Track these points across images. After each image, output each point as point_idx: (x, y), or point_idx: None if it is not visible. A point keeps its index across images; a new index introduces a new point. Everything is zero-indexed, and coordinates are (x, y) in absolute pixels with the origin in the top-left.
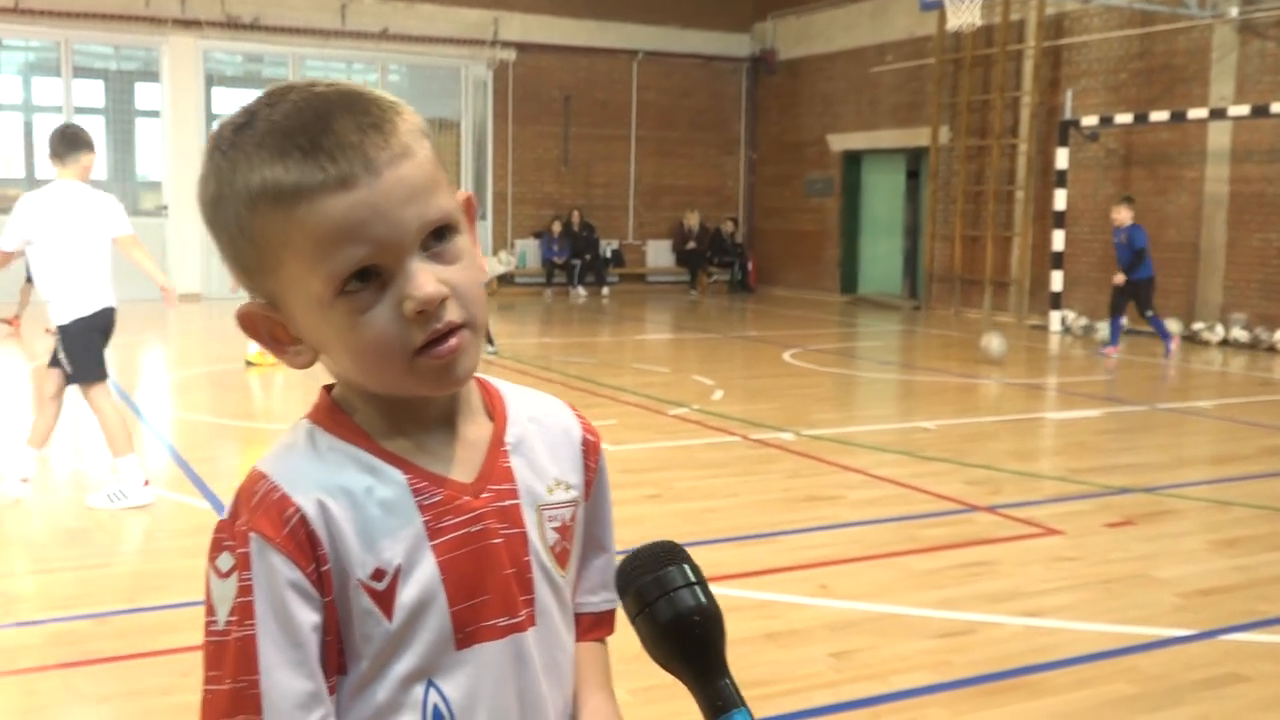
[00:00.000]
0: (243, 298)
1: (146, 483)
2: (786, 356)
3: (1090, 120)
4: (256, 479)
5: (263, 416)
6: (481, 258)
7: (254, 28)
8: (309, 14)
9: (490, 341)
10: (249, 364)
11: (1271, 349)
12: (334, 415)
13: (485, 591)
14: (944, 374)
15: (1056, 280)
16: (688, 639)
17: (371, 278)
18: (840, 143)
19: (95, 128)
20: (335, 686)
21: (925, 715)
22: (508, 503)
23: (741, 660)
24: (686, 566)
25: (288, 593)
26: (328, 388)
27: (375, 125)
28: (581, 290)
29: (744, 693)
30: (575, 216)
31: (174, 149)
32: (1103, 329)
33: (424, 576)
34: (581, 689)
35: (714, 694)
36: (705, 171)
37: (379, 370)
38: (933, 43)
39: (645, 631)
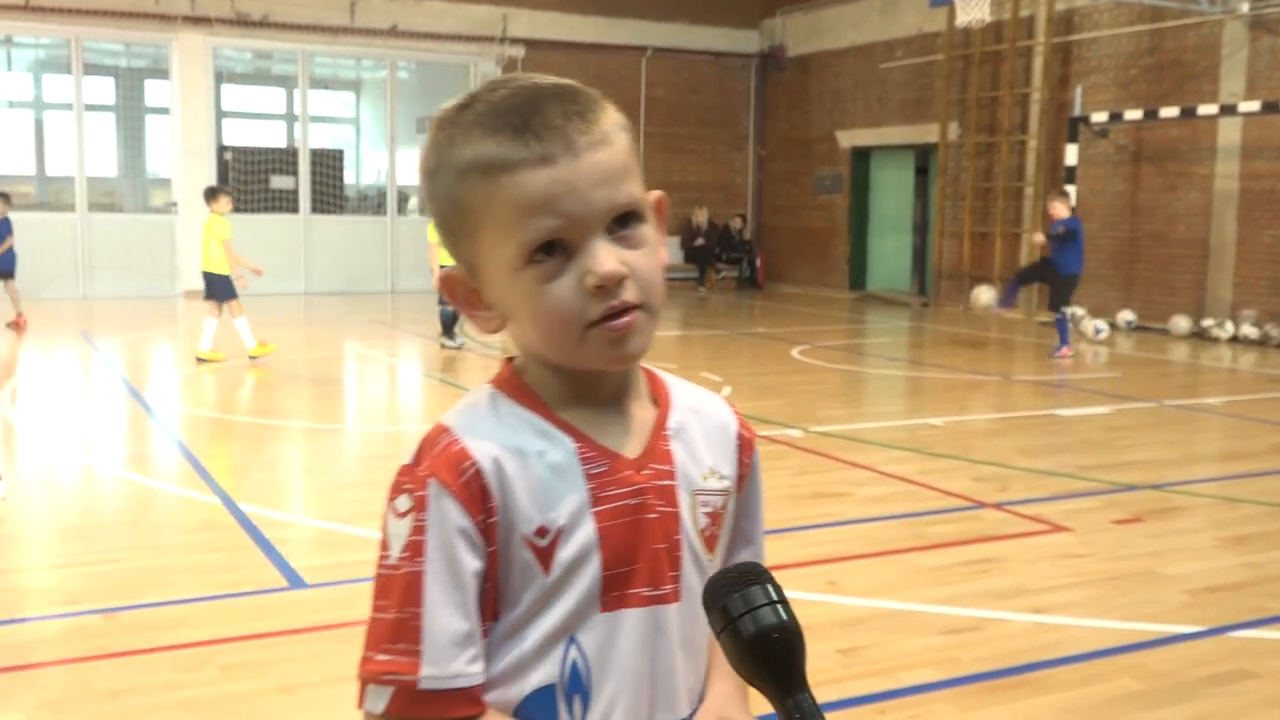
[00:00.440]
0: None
1: None
2: (795, 353)
3: (1100, 116)
4: (440, 431)
5: (270, 412)
6: (665, 250)
7: (263, 25)
8: (318, 11)
9: (450, 335)
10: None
11: None
12: (514, 383)
13: (635, 561)
14: (952, 370)
15: None
16: (769, 654)
17: (558, 251)
18: (849, 139)
19: (105, 125)
20: (488, 631)
21: (932, 711)
22: (665, 482)
23: None
24: (770, 585)
25: (457, 538)
26: (509, 359)
27: (580, 113)
28: None
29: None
30: None
31: (184, 146)
32: (1102, 324)
33: (582, 539)
34: (712, 672)
35: (792, 707)
36: (714, 168)
37: (556, 337)
38: (942, 39)
39: (729, 646)
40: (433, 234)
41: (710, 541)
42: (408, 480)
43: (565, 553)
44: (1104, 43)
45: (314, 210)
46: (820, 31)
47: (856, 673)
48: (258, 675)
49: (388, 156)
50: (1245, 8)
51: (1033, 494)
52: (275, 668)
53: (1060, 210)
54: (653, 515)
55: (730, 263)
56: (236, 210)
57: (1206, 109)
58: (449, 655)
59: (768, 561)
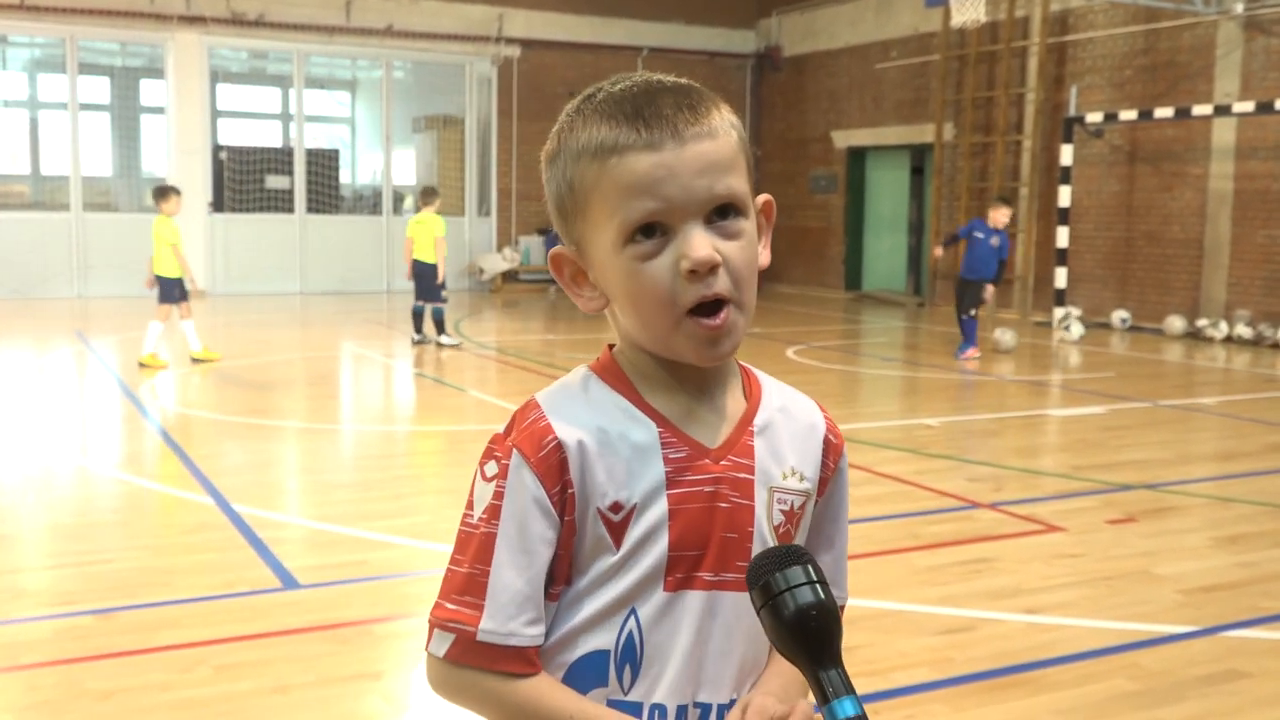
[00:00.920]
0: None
1: None
2: (790, 353)
3: (1095, 117)
4: (531, 407)
5: (264, 412)
6: (766, 252)
7: (259, 24)
8: (314, 10)
9: (441, 330)
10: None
11: (1275, 345)
12: (609, 367)
13: (704, 546)
14: (947, 371)
15: (1061, 277)
16: (807, 630)
17: (657, 233)
18: (845, 139)
19: (100, 124)
20: (560, 594)
21: (927, 712)
22: (742, 475)
23: None
24: (810, 566)
25: (532, 507)
26: (611, 346)
27: (690, 106)
28: None
29: None
30: None
31: (179, 145)
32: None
33: (654, 518)
34: (769, 665)
35: (825, 681)
36: None
37: (651, 320)
38: (937, 39)
39: (769, 622)
40: (411, 229)
41: (784, 538)
42: (498, 448)
43: (636, 529)
44: (1099, 43)
45: (309, 210)
46: (816, 32)
47: (851, 673)
48: (251, 676)
49: (383, 156)
50: (1239, 8)
51: (1027, 494)
52: (269, 668)
53: (1004, 219)
54: (725, 505)
55: None
56: (232, 210)
57: (1201, 109)
58: (508, 614)
59: None
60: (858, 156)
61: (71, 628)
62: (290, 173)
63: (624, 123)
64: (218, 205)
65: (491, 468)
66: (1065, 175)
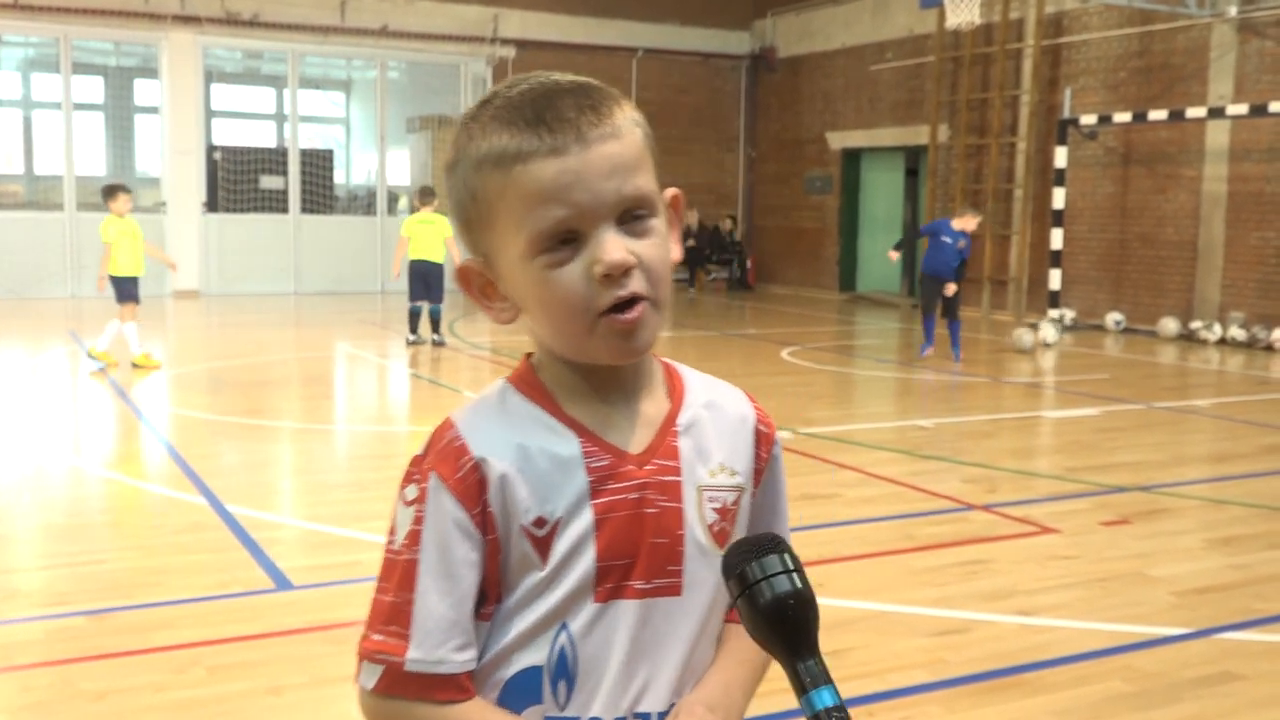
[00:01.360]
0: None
1: None
2: (785, 354)
3: (1089, 119)
4: (447, 427)
5: (258, 413)
6: (677, 246)
7: (253, 24)
8: (308, 10)
9: (436, 329)
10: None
11: (1269, 348)
12: (527, 379)
13: (632, 554)
14: (941, 372)
15: (1055, 279)
16: (784, 619)
17: (568, 240)
18: (839, 140)
19: (94, 124)
20: (491, 614)
21: (921, 713)
22: (668, 478)
23: None
24: (786, 555)
25: (452, 531)
26: (529, 355)
27: (593, 106)
28: None
29: None
30: None
31: (173, 145)
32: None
33: (579, 530)
34: (714, 666)
35: (803, 671)
36: (704, 169)
37: (566, 326)
38: (932, 41)
39: (745, 612)
40: (409, 228)
41: (720, 536)
42: (416, 472)
43: (562, 543)
44: (1093, 45)
45: (304, 210)
46: (811, 33)
47: (846, 675)
48: (245, 676)
49: (378, 157)
50: (1233, 11)
51: (1021, 496)
52: (263, 669)
53: (972, 224)
54: (652, 510)
55: (720, 264)
56: (226, 210)
57: (1195, 112)
58: (435, 641)
59: None
60: (852, 158)
61: (65, 628)
62: (285, 173)
63: (525, 129)
64: (212, 205)
65: (411, 491)
66: (1059, 177)
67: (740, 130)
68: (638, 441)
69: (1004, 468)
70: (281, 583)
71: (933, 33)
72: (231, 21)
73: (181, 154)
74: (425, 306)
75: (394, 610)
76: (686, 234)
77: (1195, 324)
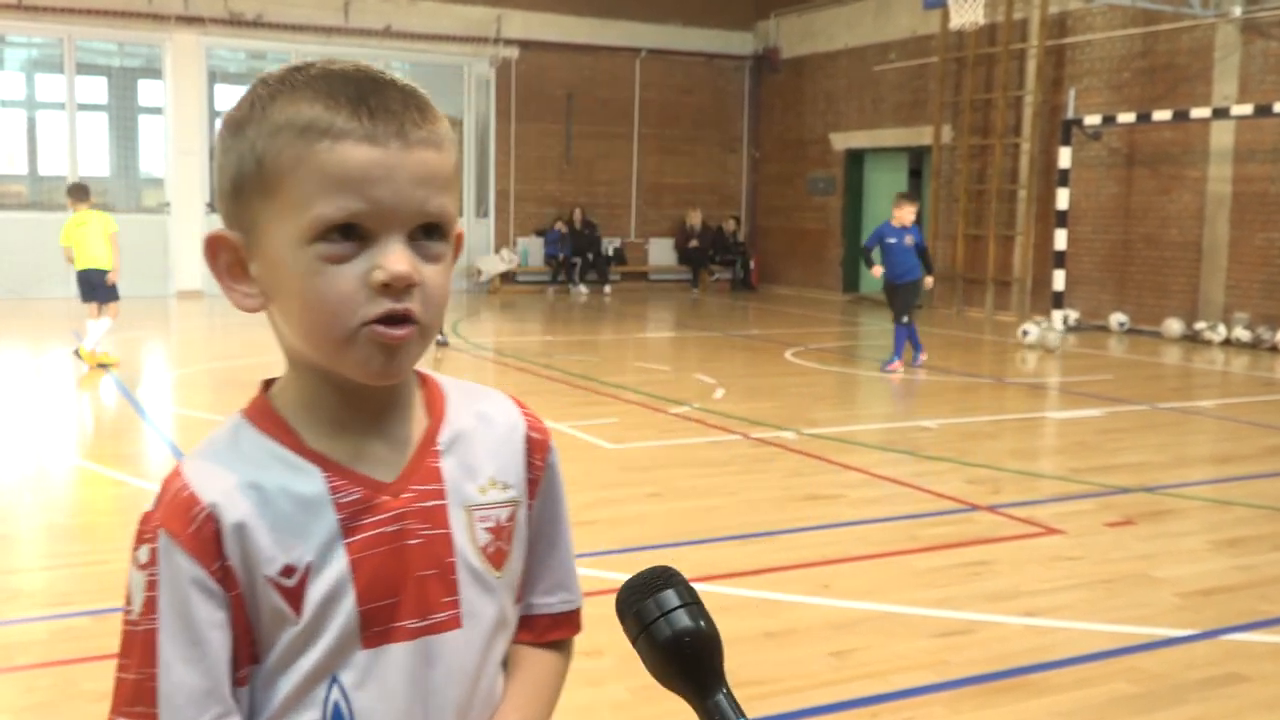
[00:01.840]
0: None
1: None
2: (788, 355)
3: (1093, 119)
4: (174, 477)
5: None
6: (449, 283)
7: (257, 24)
8: (312, 11)
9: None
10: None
11: (1274, 349)
12: (264, 412)
13: (397, 592)
14: (945, 373)
15: (1059, 279)
16: (685, 657)
17: (354, 236)
18: (843, 141)
19: (98, 124)
20: (248, 677)
21: (925, 715)
22: (431, 503)
23: (741, 659)
24: (682, 589)
25: (191, 590)
26: (266, 384)
27: (419, 108)
28: (583, 288)
29: (743, 691)
30: (577, 214)
31: (176, 146)
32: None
33: (334, 575)
34: (504, 700)
35: (712, 707)
36: (707, 170)
37: (323, 328)
38: (936, 41)
39: (645, 652)
40: (66, 238)
41: (496, 558)
42: (145, 530)
43: (316, 591)
44: (1097, 46)
45: None
46: (814, 34)
47: (849, 675)
48: None
49: None
50: (1237, 11)
51: (1025, 496)
52: None
53: (909, 216)
54: (415, 540)
55: (724, 264)
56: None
57: (1199, 112)
58: (188, 716)
59: (762, 564)
60: (856, 159)
61: (68, 629)
62: None
63: (345, 105)
64: (215, 206)
65: (142, 554)
66: (1063, 178)
67: (743, 131)
68: (390, 469)
69: (1008, 468)
70: None
71: (936, 33)
72: (235, 22)
73: (185, 154)
74: None
75: (137, 689)
76: (689, 234)
77: (1199, 325)
